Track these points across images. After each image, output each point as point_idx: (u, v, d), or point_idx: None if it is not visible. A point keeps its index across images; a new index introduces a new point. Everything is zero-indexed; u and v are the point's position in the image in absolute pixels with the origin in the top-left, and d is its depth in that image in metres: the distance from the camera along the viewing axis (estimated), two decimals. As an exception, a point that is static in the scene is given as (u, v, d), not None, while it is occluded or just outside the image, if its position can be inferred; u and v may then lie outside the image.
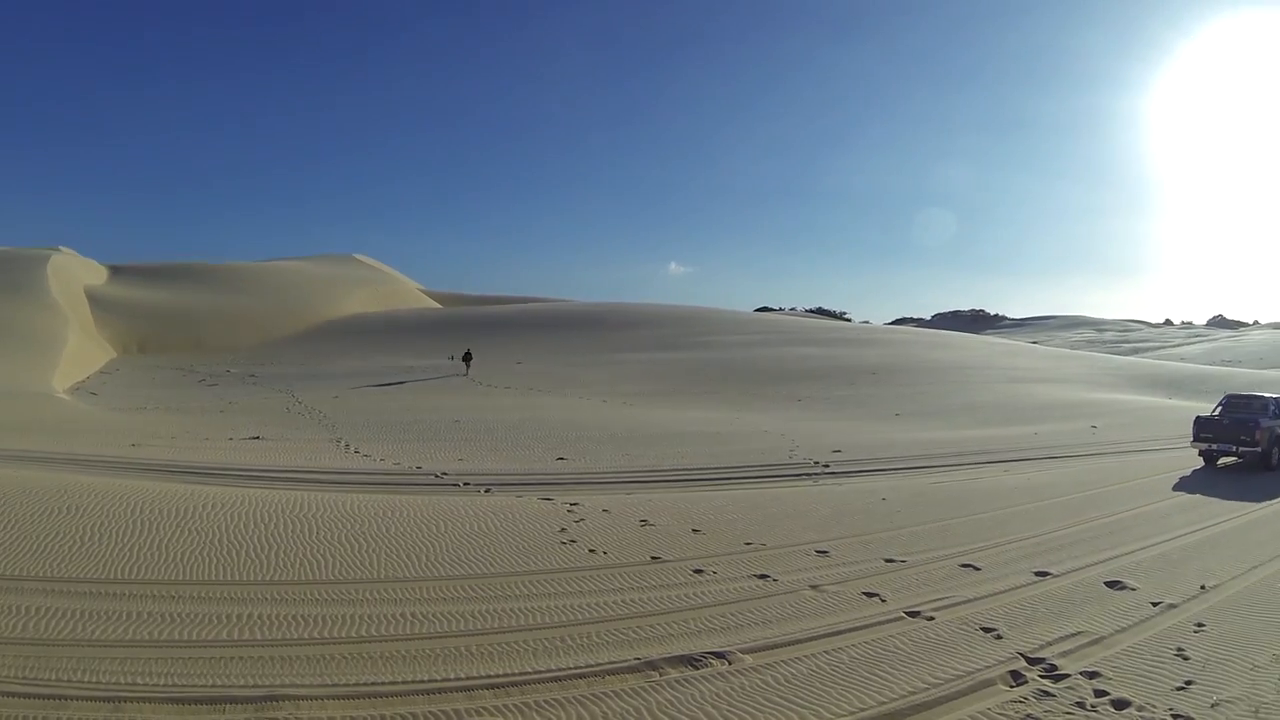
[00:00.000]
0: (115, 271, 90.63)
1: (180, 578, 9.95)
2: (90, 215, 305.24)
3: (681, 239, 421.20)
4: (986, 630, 8.73)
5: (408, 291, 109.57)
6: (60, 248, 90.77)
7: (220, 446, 24.99)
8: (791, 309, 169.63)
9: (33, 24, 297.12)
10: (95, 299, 74.82)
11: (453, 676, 7.27)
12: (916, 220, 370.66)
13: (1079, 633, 8.67)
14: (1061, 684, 7.35)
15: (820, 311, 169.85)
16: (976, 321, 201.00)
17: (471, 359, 53.95)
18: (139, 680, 6.92)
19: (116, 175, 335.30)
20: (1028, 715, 6.74)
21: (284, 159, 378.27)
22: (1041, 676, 7.52)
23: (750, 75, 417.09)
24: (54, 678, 6.89)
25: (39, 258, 77.81)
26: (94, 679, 6.91)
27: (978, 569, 11.27)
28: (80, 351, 57.09)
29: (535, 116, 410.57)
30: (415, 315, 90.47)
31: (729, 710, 6.78)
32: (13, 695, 6.49)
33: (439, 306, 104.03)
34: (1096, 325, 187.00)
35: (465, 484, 18.71)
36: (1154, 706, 6.88)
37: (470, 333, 73.74)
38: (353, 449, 25.13)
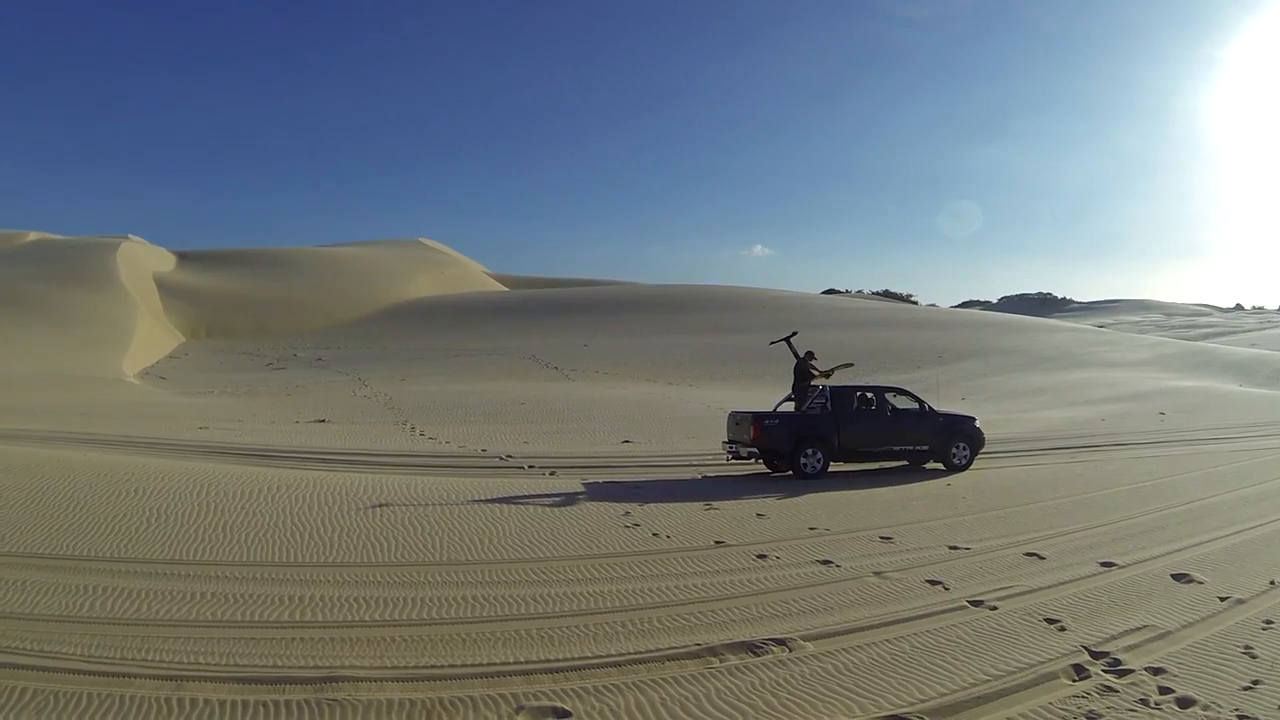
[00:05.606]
0: (183, 258, 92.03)
1: (244, 559, 10.16)
2: (158, 204, 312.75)
3: (768, 222, 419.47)
4: (1050, 621, 8.55)
5: (473, 275, 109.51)
6: (129, 236, 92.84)
7: (286, 429, 25.39)
8: (858, 291, 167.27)
9: (102, 14, 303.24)
10: (163, 285, 76.21)
11: (511, 660, 7.30)
12: (943, 213, 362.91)
13: (1144, 626, 8.44)
14: (1125, 679, 7.16)
15: (886, 294, 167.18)
16: (1043, 305, 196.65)
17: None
18: (201, 659, 7.07)
19: (184, 164, 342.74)
20: (1090, 711, 6.58)
21: (349, 144, 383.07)
22: (1105, 671, 7.33)
23: (835, 60, 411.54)
24: (118, 656, 7.07)
25: (109, 246, 79.51)
26: (157, 658, 7.07)
27: (1042, 558, 11.06)
28: (149, 337, 58.36)
29: (619, 99, 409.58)
30: (481, 298, 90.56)
31: (788, 698, 6.73)
32: (78, 673, 6.67)
33: (505, 289, 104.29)
34: (1165, 309, 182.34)
35: (530, 467, 18.78)
36: (1219, 706, 6.67)
37: (537, 315, 73.99)
38: (418, 432, 25.38)
